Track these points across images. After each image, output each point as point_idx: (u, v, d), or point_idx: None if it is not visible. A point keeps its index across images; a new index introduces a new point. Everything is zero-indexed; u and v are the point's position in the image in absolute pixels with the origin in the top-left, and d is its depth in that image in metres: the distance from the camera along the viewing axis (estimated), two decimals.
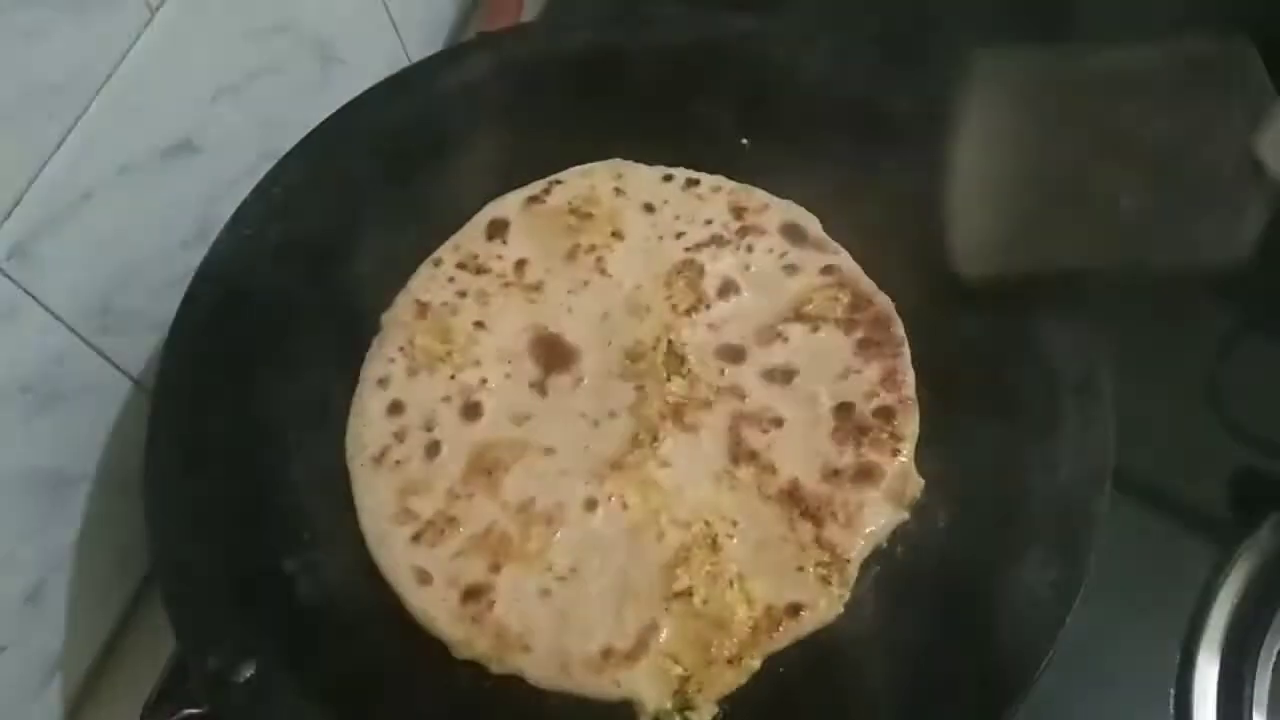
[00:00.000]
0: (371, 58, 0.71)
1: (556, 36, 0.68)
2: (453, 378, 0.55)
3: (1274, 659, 0.53)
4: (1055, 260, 0.50)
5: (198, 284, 0.58)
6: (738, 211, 0.59)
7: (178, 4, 0.57)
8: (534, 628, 0.49)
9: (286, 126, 0.63)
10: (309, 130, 0.63)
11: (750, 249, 0.58)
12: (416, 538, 0.51)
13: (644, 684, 0.48)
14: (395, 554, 0.51)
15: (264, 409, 0.56)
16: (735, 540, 0.50)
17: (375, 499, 0.53)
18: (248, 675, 0.48)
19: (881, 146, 0.58)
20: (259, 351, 0.57)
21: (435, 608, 0.50)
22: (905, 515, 0.50)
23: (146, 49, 0.56)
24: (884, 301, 0.55)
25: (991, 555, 0.48)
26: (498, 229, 0.59)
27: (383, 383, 0.55)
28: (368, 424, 0.54)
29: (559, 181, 0.60)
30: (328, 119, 0.63)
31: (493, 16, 0.78)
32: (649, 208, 0.59)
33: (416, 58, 0.73)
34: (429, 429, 0.54)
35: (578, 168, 0.61)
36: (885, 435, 0.52)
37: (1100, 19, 0.71)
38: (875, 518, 0.50)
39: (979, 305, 0.53)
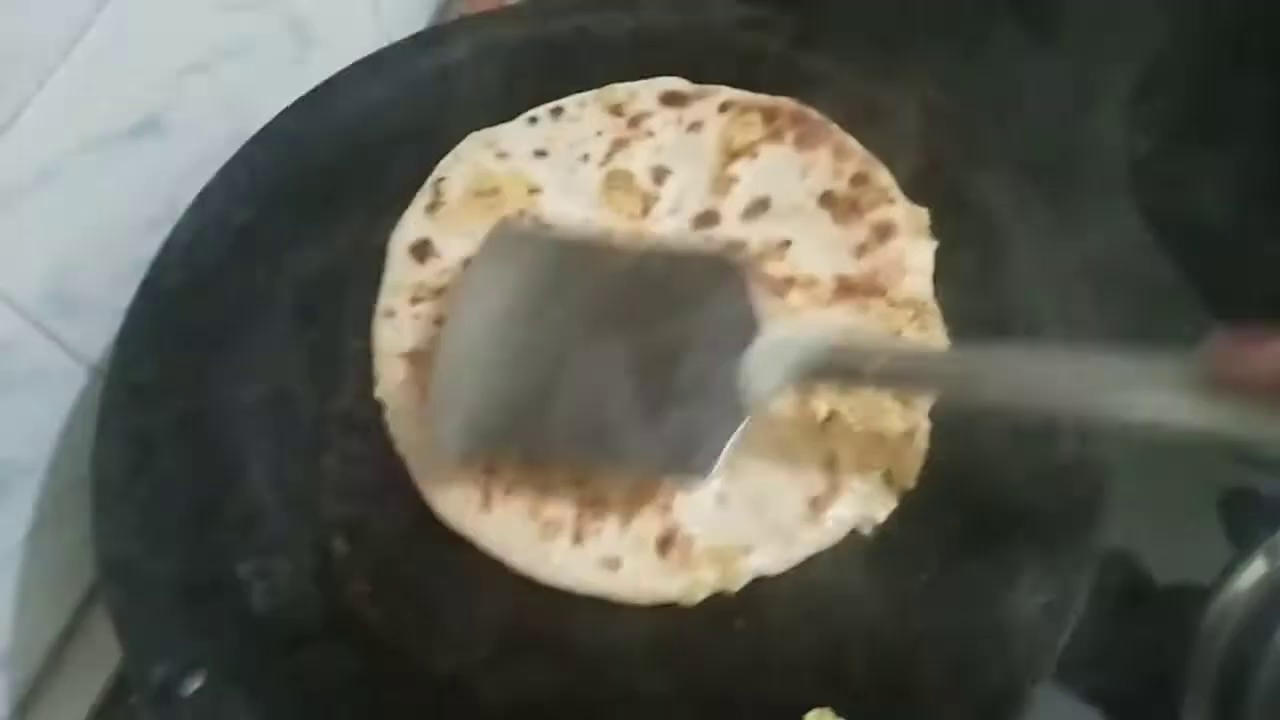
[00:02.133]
0: (351, 38, 0.66)
1: (540, 20, 0.65)
2: None
3: (1264, 694, 0.51)
4: (535, 448, 0.49)
5: (156, 270, 0.55)
6: (615, 110, 0.59)
7: None
8: (739, 530, 0.48)
9: (259, 107, 0.59)
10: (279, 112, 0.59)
11: (651, 133, 0.58)
12: (578, 537, 0.48)
13: (862, 505, 0.49)
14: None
15: (222, 403, 0.52)
16: None
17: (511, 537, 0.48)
18: (195, 688, 0.46)
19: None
20: (219, 342, 0.54)
21: (666, 575, 0.47)
22: (935, 242, 0.54)
23: (111, 20, 0.52)
24: (787, 101, 0.59)
25: (982, 575, 0.48)
26: (422, 250, 0.55)
27: None
28: (450, 484, 0.49)
29: (441, 179, 0.57)
30: (297, 101, 0.60)
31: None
32: (540, 153, 0.58)
33: (399, 39, 0.67)
34: None
35: (446, 158, 0.58)
36: (872, 194, 0.55)
37: None
38: (917, 254, 0.54)
39: None
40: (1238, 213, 0.69)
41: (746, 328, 0.48)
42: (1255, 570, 0.54)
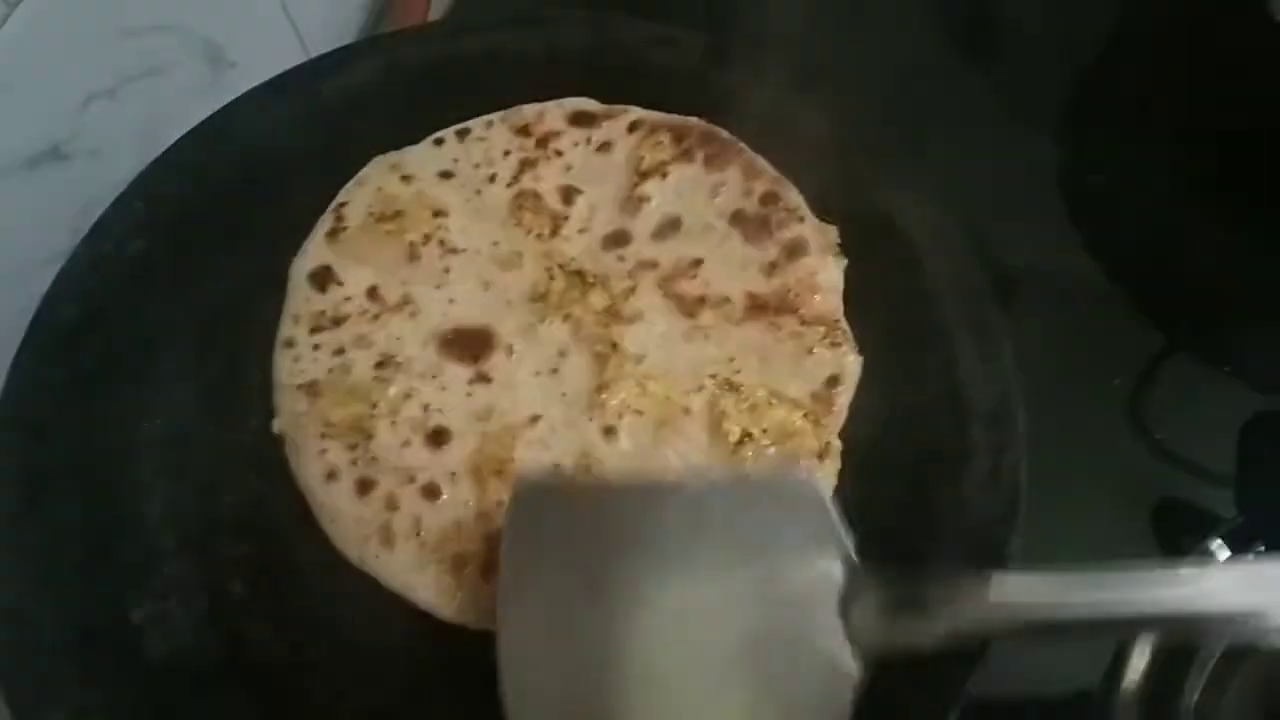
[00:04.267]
0: (268, 60, 0.63)
1: (452, 38, 0.63)
2: (394, 424, 0.50)
3: (1194, 703, 0.51)
4: None
5: (48, 303, 0.53)
6: (523, 131, 0.58)
7: (40, 1, 0.51)
8: None
9: (173, 133, 0.57)
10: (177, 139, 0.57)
11: (559, 153, 0.57)
12: (484, 572, 0.47)
13: None
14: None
15: (115, 442, 0.51)
16: (744, 370, 0.51)
17: (415, 573, 0.47)
18: None
19: None
20: (114, 378, 0.52)
21: None
22: (844, 260, 0.54)
23: (2, 50, 0.50)
24: (696, 121, 0.58)
25: None
26: (323, 277, 0.53)
27: (333, 475, 0.48)
28: (351, 520, 0.48)
29: (343, 203, 0.56)
30: (196, 127, 0.57)
31: (399, 17, 0.72)
32: (446, 174, 0.57)
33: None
34: (412, 480, 0.48)
35: (350, 182, 0.57)
36: (782, 212, 0.55)
37: None
38: (828, 273, 0.53)
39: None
40: (1168, 221, 0.71)
41: (833, 568, 0.41)
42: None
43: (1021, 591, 0.40)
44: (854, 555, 0.41)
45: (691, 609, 0.42)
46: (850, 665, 0.40)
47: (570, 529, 0.44)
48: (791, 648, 0.41)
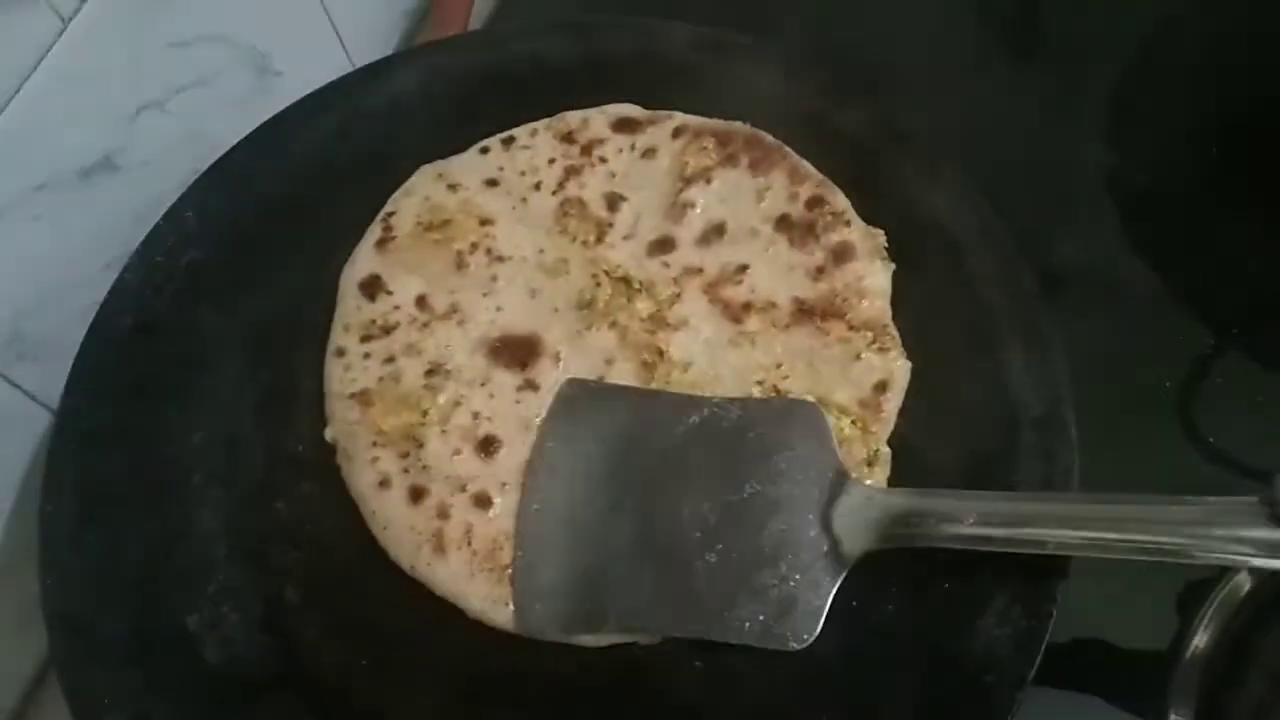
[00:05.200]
0: (313, 69, 0.65)
1: (495, 46, 0.64)
2: (444, 432, 0.50)
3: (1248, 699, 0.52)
4: (627, 616, 0.47)
5: (103, 315, 0.54)
6: (567, 138, 0.58)
7: (92, 14, 0.52)
8: None
9: (222, 142, 0.58)
10: (227, 150, 0.58)
11: (604, 159, 0.58)
12: None
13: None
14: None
15: (170, 451, 0.51)
16: (791, 377, 0.51)
17: (466, 582, 0.47)
18: None
19: None
20: (168, 387, 0.53)
21: None
22: (893, 265, 0.54)
23: (59, 62, 0.51)
24: (741, 126, 0.58)
25: (949, 606, 0.47)
26: (372, 286, 0.54)
27: (385, 483, 0.49)
28: (402, 528, 0.48)
29: (392, 213, 0.56)
30: (245, 138, 0.59)
31: (438, 25, 0.73)
32: (492, 183, 0.57)
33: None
34: (463, 489, 0.49)
35: (397, 192, 0.57)
36: (829, 216, 0.55)
37: None
38: (875, 277, 0.53)
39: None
40: (1217, 221, 0.69)
41: (830, 480, 0.47)
42: (1239, 584, 0.54)
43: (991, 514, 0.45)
44: (845, 471, 0.48)
45: (694, 502, 0.48)
46: (837, 562, 0.46)
47: (603, 425, 0.50)
48: (780, 543, 0.46)
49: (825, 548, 0.46)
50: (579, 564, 0.47)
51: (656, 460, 0.49)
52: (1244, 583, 0.54)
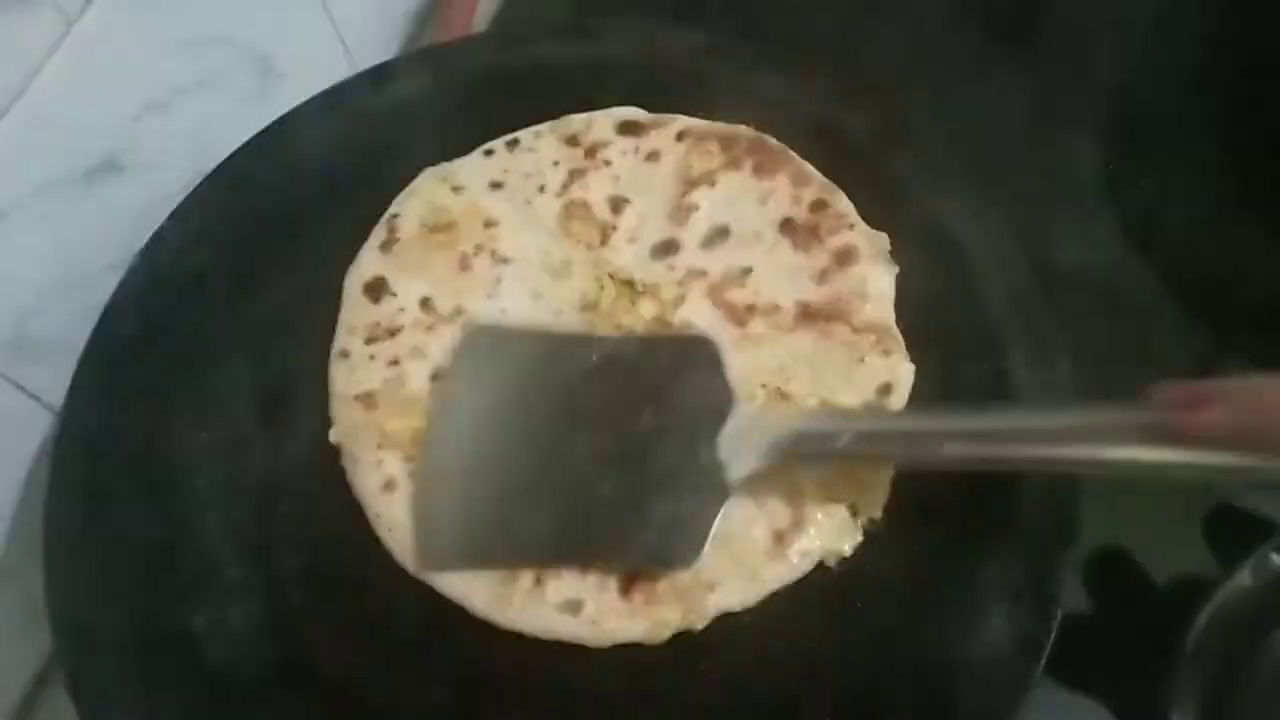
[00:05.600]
0: (316, 71, 0.65)
1: (499, 49, 0.64)
2: None
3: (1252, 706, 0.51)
4: (522, 548, 0.48)
5: (108, 316, 0.55)
6: (571, 141, 0.58)
7: (97, 15, 0.52)
8: (704, 566, 0.47)
9: (224, 144, 0.59)
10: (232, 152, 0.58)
11: (608, 162, 0.58)
12: (539, 580, 0.47)
13: (827, 538, 0.48)
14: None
15: (175, 453, 0.52)
16: (795, 380, 0.51)
17: (470, 582, 0.47)
18: None
19: None
20: (172, 389, 0.53)
21: (630, 616, 0.46)
22: (896, 268, 0.54)
23: (63, 62, 0.51)
24: (744, 129, 0.58)
25: (952, 610, 0.47)
26: (376, 288, 0.54)
27: (390, 486, 0.49)
28: (406, 533, 0.48)
29: (396, 215, 0.56)
30: (251, 139, 0.59)
31: (443, 28, 0.73)
32: (496, 185, 0.57)
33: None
34: None
35: (401, 194, 0.57)
36: (832, 220, 0.55)
37: None
38: (879, 280, 0.53)
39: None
40: (1218, 224, 0.69)
41: (719, 409, 0.49)
42: (1241, 583, 0.53)
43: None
44: (733, 399, 0.50)
45: (591, 435, 0.49)
46: (722, 485, 0.48)
47: (503, 366, 0.52)
48: (671, 471, 0.48)
49: (713, 473, 0.48)
50: (477, 498, 0.49)
51: (556, 398, 0.51)
52: (1245, 580, 0.53)
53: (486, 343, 0.53)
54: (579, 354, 0.52)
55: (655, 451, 0.48)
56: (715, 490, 0.48)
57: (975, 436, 0.45)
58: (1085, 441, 0.43)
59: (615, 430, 0.49)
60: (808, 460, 0.48)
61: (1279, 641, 0.52)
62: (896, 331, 0.52)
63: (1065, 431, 0.44)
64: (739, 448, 0.48)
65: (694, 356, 0.51)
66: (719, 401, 0.49)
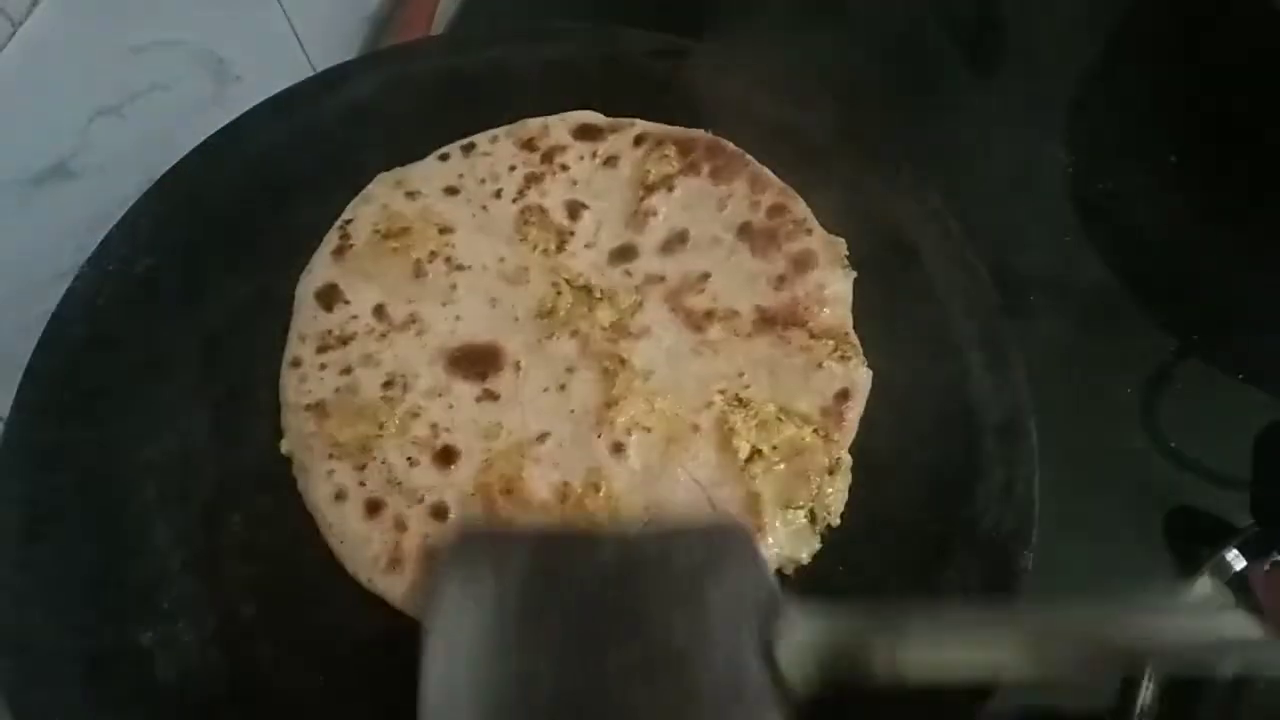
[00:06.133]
0: (273, 74, 0.64)
1: (456, 52, 0.63)
2: (402, 444, 0.49)
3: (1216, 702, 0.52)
4: None
5: (55, 323, 0.53)
6: (528, 145, 0.58)
7: (45, 19, 0.51)
8: None
9: (178, 149, 0.57)
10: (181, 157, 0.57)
11: (565, 167, 0.57)
12: None
13: (786, 546, 0.47)
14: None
15: (122, 463, 0.50)
16: (753, 385, 0.51)
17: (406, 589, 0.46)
18: None
19: None
20: (120, 399, 0.52)
21: None
22: (854, 273, 0.54)
23: (8, 67, 0.51)
24: (701, 133, 0.58)
25: None
26: (329, 295, 0.53)
27: (341, 496, 0.48)
28: (359, 541, 0.47)
29: (349, 221, 0.56)
30: (200, 144, 0.58)
31: (403, 30, 0.72)
32: (451, 190, 0.57)
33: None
34: (420, 500, 0.48)
35: (355, 199, 0.57)
36: (790, 225, 0.55)
37: None
38: (836, 285, 0.53)
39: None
40: (1178, 227, 0.70)
41: (766, 607, 0.42)
42: (1203, 586, 0.54)
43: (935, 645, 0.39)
44: (779, 594, 0.42)
45: (616, 651, 0.41)
46: (786, 697, 0.40)
47: (504, 575, 0.43)
48: (718, 685, 0.40)
49: (769, 681, 0.40)
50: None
51: (569, 608, 0.43)
52: (1205, 584, 0.54)
53: (479, 551, 0.45)
54: (588, 556, 0.44)
55: (698, 665, 0.41)
56: (777, 702, 0.40)
57: (1056, 645, 0.39)
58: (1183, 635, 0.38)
59: (646, 641, 0.41)
60: (868, 677, 0.40)
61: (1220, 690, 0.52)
62: (854, 337, 0.52)
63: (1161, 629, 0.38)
64: (799, 658, 0.40)
65: (725, 544, 0.44)
66: (763, 597, 0.42)
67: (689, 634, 0.41)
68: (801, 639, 0.40)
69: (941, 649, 0.39)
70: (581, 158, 0.57)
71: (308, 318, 0.53)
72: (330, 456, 0.49)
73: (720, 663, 0.41)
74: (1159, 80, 0.75)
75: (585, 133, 0.58)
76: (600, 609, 0.43)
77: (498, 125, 0.59)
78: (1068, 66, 0.77)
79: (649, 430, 0.50)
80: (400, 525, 0.47)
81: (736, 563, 0.43)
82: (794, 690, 0.40)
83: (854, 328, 0.53)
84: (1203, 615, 0.39)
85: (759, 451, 0.49)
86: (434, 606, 0.43)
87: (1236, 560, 0.56)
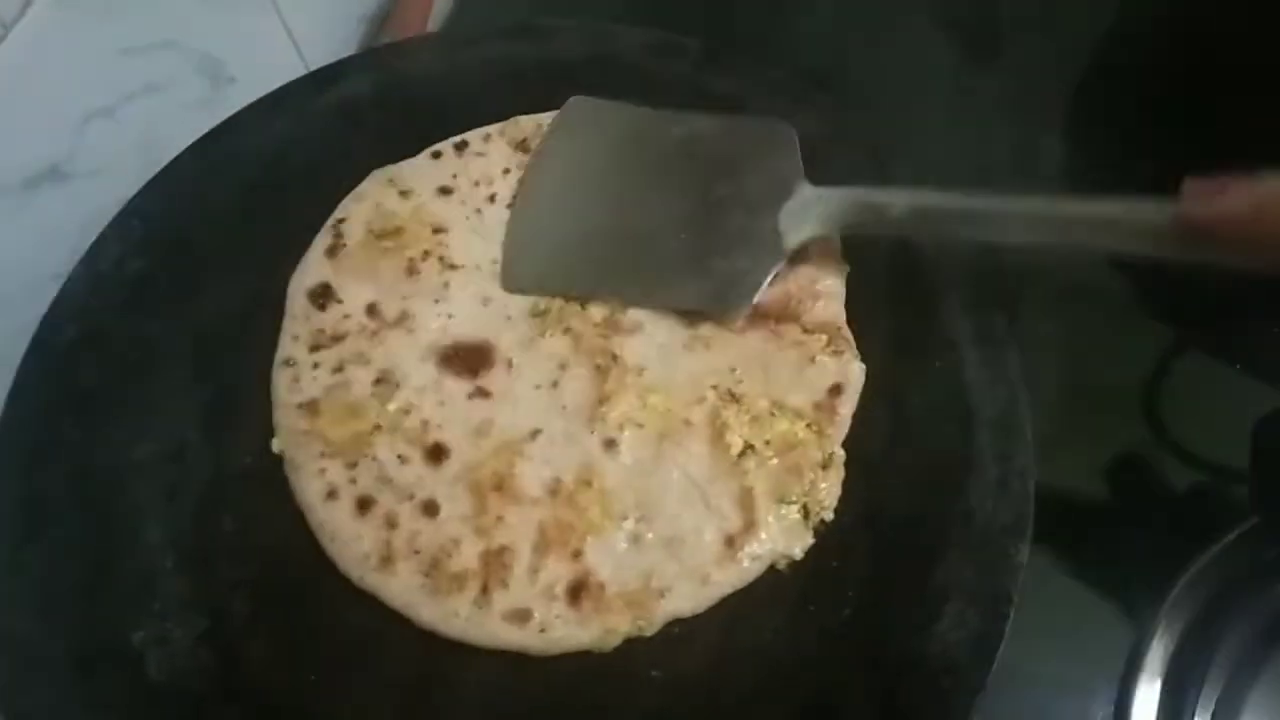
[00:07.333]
0: (268, 75, 0.63)
1: (450, 50, 0.63)
2: (393, 441, 0.49)
3: (1217, 694, 0.52)
4: (597, 280, 0.54)
5: (47, 324, 0.53)
6: (521, 145, 0.58)
7: (36, 21, 0.51)
8: (654, 572, 0.46)
9: (172, 150, 0.57)
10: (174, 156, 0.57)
11: None
12: (485, 590, 0.46)
13: (779, 541, 0.47)
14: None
15: (115, 463, 0.50)
16: (746, 381, 0.51)
17: (415, 591, 0.46)
18: None
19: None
20: (112, 399, 0.52)
21: (579, 624, 0.45)
22: (848, 267, 0.54)
23: (1, 68, 0.51)
24: None
25: (905, 610, 0.46)
26: (322, 294, 0.53)
27: (333, 494, 0.48)
28: (350, 539, 0.47)
29: (342, 220, 0.56)
30: (193, 144, 0.58)
31: (398, 29, 0.72)
32: (445, 190, 0.57)
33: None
34: (411, 497, 0.48)
35: (348, 197, 0.56)
36: None
37: None
38: (830, 280, 0.53)
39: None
40: None
41: (786, 186, 0.53)
42: (1207, 572, 0.54)
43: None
44: (801, 175, 0.54)
45: (669, 198, 0.55)
46: (778, 249, 0.52)
47: (599, 135, 0.58)
48: (735, 235, 0.53)
49: (771, 238, 0.52)
50: (560, 236, 0.55)
51: (643, 165, 0.57)
52: (1210, 573, 0.54)
53: (584, 115, 0.59)
54: (667, 129, 0.57)
55: (723, 217, 0.53)
56: (771, 253, 0.52)
57: (1018, 218, 0.48)
58: (1113, 227, 0.47)
59: (690, 196, 0.55)
60: (861, 231, 0.52)
61: (1238, 631, 0.53)
62: (848, 331, 0.52)
63: (1095, 216, 0.47)
64: (798, 218, 0.52)
65: (769, 138, 0.55)
66: (787, 179, 0.53)
67: (723, 195, 0.54)
68: (804, 206, 0.52)
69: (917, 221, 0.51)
70: None
71: (300, 317, 0.53)
72: (322, 455, 0.49)
73: (738, 217, 0.54)
74: (1158, 72, 0.75)
75: None
76: (665, 168, 0.57)
77: (492, 123, 0.59)
78: (1065, 60, 0.76)
79: (641, 426, 0.50)
80: (391, 522, 0.47)
81: (775, 150, 0.55)
82: (790, 242, 0.52)
83: (847, 322, 0.52)
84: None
85: (752, 447, 0.49)
86: (539, 150, 0.58)
87: (1235, 553, 0.56)
